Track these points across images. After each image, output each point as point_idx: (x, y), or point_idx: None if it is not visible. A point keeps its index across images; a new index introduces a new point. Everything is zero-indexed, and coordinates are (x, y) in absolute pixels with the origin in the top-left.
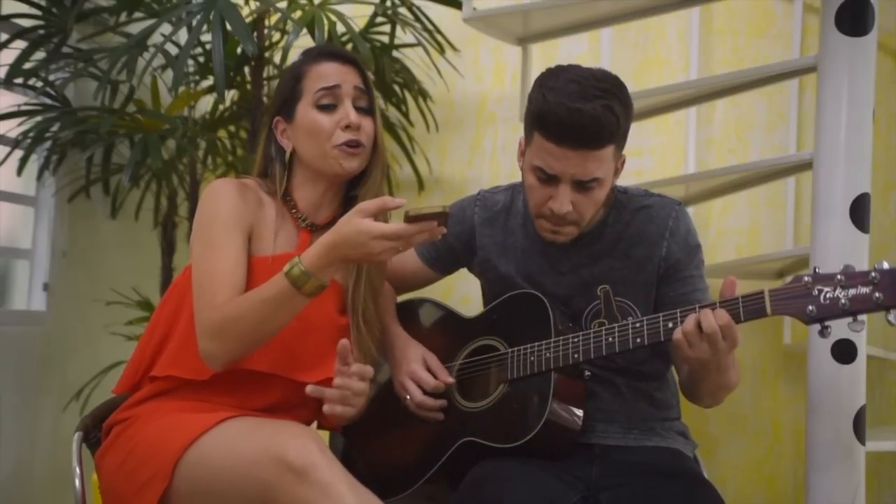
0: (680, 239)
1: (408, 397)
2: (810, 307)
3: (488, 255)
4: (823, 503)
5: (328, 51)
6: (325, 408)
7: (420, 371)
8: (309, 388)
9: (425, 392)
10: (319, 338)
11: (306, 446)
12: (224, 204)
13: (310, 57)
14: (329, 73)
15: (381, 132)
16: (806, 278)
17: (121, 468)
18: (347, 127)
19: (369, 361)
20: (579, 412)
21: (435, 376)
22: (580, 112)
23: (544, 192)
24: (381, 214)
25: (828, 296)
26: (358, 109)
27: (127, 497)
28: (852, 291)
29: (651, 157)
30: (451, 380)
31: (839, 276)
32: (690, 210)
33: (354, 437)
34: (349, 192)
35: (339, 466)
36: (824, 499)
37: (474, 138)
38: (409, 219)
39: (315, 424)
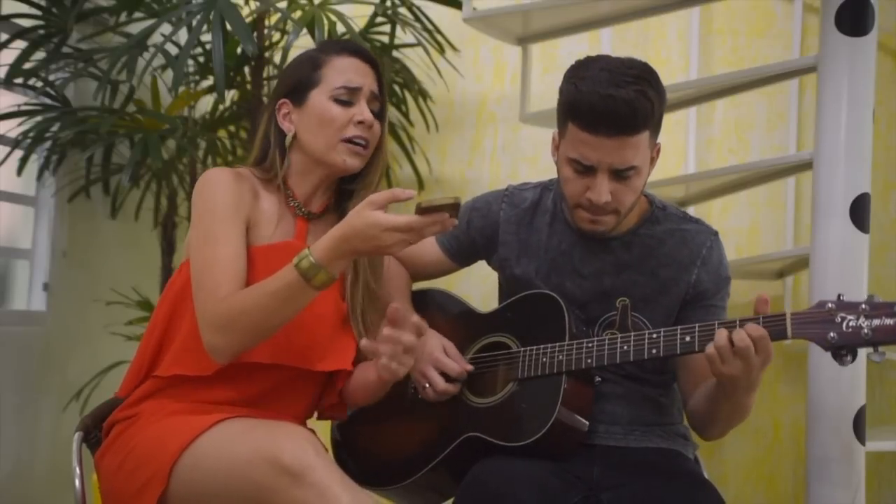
0: (711, 268)
1: (426, 385)
2: (832, 334)
3: (508, 254)
4: (823, 503)
5: (353, 47)
6: (383, 360)
7: (443, 358)
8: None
9: (448, 379)
10: (327, 326)
11: (301, 448)
12: (221, 193)
13: (332, 48)
14: (352, 71)
15: (387, 136)
16: (829, 304)
17: (120, 469)
18: (360, 123)
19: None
20: (586, 418)
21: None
22: (613, 98)
23: (582, 184)
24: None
25: (851, 324)
26: (371, 112)
27: (126, 498)
28: (876, 322)
29: None
30: (470, 367)
31: (864, 306)
32: (690, 210)
33: (359, 425)
34: (342, 184)
35: (335, 468)
36: (824, 499)
37: (474, 138)
38: (421, 210)
39: (316, 415)
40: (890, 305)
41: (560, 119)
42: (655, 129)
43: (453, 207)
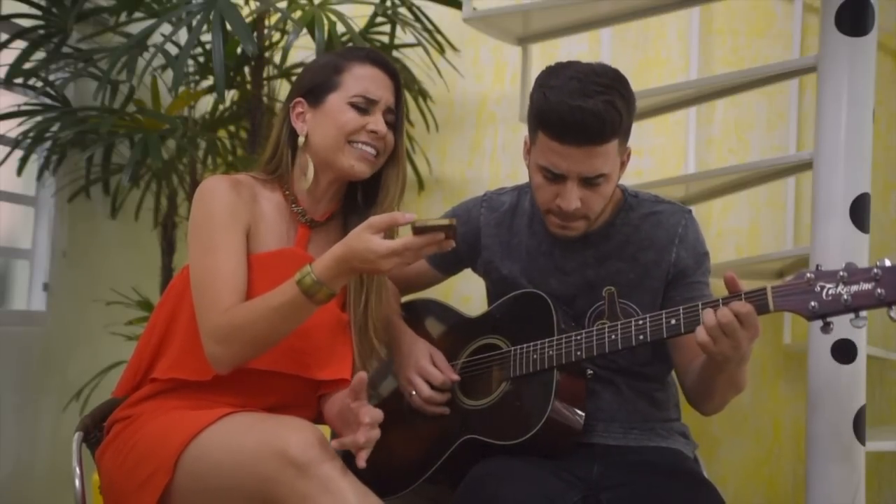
0: (689, 246)
1: (413, 393)
2: (812, 303)
3: (492, 257)
4: (823, 503)
5: (375, 57)
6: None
7: (428, 367)
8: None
9: (432, 387)
10: (325, 334)
11: (307, 440)
12: (219, 203)
13: (356, 55)
14: (373, 81)
15: (405, 149)
16: (808, 275)
17: (122, 465)
18: (372, 132)
19: (369, 365)
20: (581, 411)
21: (441, 373)
22: (582, 109)
23: (552, 191)
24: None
25: (830, 292)
26: (385, 123)
27: (128, 494)
28: (854, 288)
29: (651, 157)
30: (456, 377)
31: (841, 273)
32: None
33: None
34: (349, 193)
35: (339, 461)
36: (824, 499)
37: (474, 138)
38: (416, 230)
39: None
40: (867, 270)
41: (530, 126)
42: (625, 136)
43: (449, 228)
